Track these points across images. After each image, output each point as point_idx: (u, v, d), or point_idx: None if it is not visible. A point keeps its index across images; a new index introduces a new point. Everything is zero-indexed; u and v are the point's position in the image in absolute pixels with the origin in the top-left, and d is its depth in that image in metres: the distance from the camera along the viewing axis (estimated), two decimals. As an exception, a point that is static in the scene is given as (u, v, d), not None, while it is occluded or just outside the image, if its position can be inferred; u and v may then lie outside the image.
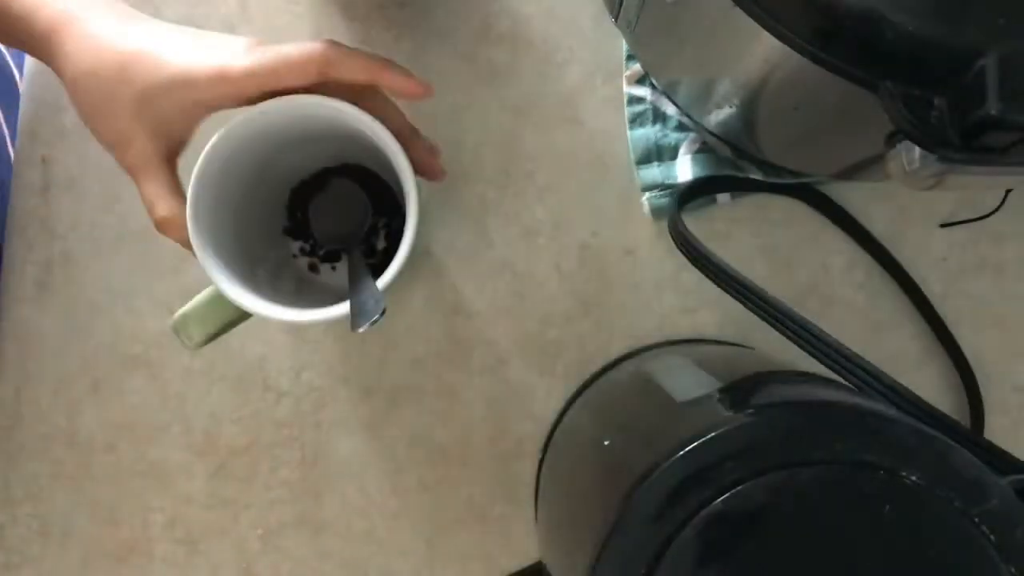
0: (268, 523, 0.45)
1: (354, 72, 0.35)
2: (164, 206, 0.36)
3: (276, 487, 0.45)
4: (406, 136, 0.37)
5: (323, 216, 0.44)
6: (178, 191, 0.37)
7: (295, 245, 0.45)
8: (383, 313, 0.33)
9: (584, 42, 0.45)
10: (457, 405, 0.45)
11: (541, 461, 0.43)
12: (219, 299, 0.37)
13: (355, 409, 0.45)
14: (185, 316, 0.38)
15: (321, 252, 0.45)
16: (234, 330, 0.38)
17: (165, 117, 0.36)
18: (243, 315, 0.37)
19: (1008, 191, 0.42)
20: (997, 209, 0.42)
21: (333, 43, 0.35)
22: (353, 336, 0.45)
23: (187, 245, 0.36)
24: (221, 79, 0.34)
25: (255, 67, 0.34)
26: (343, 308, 0.35)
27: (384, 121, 0.36)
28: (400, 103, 0.38)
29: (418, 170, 0.37)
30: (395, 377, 0.45)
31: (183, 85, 0.35)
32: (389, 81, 0.36)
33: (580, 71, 0.45)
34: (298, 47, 0.34)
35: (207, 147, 0.35)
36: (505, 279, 0.45)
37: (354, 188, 0.44)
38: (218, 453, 0.45)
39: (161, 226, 0.36)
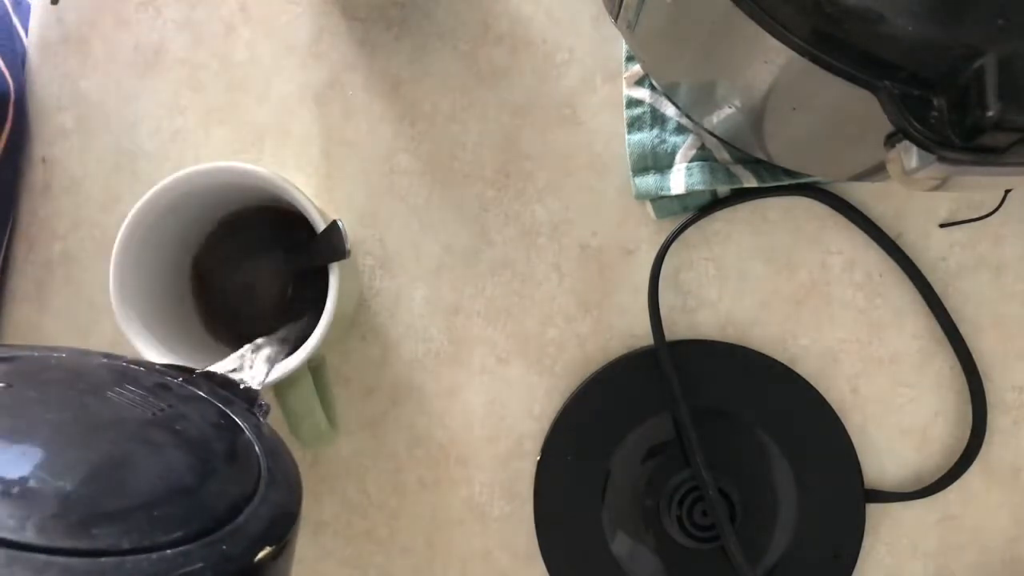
0: (268, 523, 0.45)
1: None
2: None
3: (276, 487, 0.45)
4: None
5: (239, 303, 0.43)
6: None
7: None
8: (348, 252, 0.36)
9: (584, 43, 0.45)
10: (457, 405, 0.45)
11: (541, 461, 0.43)
12: (288, 390, 0.38)
13: (355, 409, 0.45)
14: (299, 431, 0.38)
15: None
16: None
17: None
18: (311, 377, 0.38)
19: (1008, 191, 0.42)
20: (997, 209, 0.43)
21: None
22: (353, 336, 0.45)
23: None
24: None
25: None
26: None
27: None
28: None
29: None
30: (395, 377, 0.45)
31: None
32: None
33: (580, 72, 0.45)
34: None
35: (127, 218, 0.37)
36: (505, 279, 0.45)
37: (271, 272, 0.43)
38: (218, 453, 0.46)
39: None
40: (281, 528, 0.24)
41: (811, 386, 0.43)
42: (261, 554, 0.22)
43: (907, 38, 0.24)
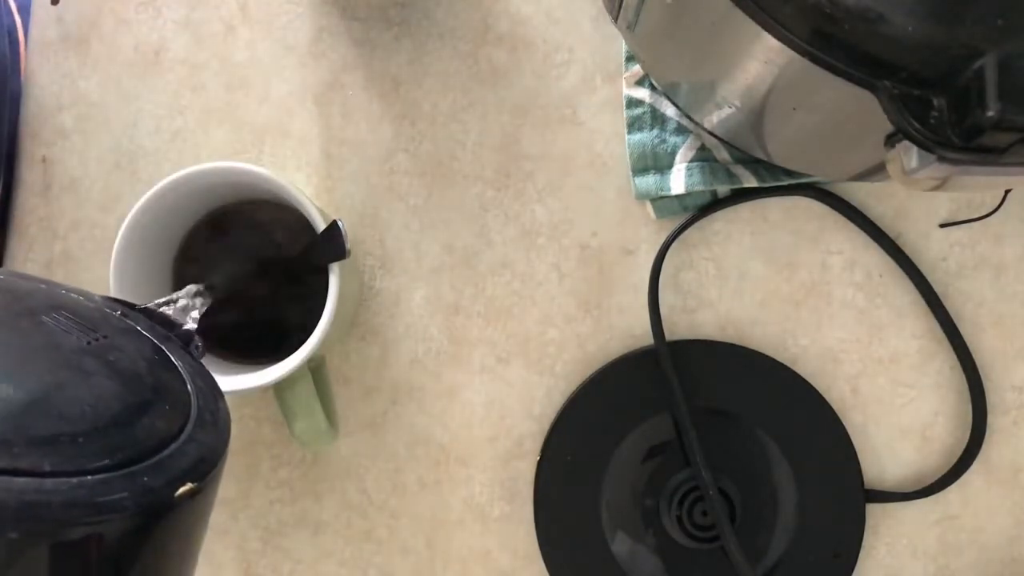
0: (268, 523, 0.45)
1: None
2: None
3: (276, 487, 0.45)
4: None
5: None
6: None
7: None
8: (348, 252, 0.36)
9: (584, 43, 0.45)
10: (457, 405, 0.45)
11: (541, 461, 0.43)
12: (287, 390, 0.37)
13: (355, 409, 0.45)
14: (298, 431, 0.38)
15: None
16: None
17: None
18: (311, 377, 0.38)
19: (1008, 191, 0.42)
20: (997, 209, 0.43)
21: None
22: (353, 336, 0.45)
23: None
24: None
25: None
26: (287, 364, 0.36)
27: None
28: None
29: None
30: (395, 377, 0.45)
31: None
32: None
33: (580, 72, 0.45)
34: None
35: (129, 214, 0.37)
36: (505, 279, 0.45)
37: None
38: (218, 453, 0.45)
39: None
40: (205, 467, 0.24)
41: (811, 386, 0.43)
42: (182, 489, 0.22)
43: (907, 38, 0.24)
